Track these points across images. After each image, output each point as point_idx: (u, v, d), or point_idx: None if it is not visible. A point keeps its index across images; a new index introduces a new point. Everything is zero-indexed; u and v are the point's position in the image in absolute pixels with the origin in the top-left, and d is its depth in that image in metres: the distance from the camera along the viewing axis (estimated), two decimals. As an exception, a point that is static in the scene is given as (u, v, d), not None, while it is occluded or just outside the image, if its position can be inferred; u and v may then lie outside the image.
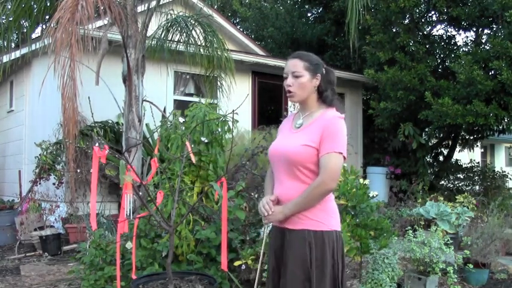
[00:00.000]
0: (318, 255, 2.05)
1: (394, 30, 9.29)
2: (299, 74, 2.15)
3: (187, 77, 8.67)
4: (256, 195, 3.93)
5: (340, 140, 2.08)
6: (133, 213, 3.81)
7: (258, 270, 2.37)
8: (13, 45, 6.16)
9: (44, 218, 6.38)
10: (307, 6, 13.74)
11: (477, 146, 11.46)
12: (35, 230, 6.09)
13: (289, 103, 8.82)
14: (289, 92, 2.17)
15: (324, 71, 2.21)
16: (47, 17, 5.76)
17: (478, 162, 12.03)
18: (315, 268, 2.04)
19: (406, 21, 9.41)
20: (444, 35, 9.63)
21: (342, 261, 2.13)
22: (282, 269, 2.12)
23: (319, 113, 2.18)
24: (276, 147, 2.25)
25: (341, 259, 2.13)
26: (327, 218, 2.12)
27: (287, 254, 2.10)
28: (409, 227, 4.69)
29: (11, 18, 5.47)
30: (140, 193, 3.25)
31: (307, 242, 2.06)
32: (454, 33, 9.63)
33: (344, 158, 2.09)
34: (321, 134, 2.08)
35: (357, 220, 3.90)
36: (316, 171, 2.10)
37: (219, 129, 3.96)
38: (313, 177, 2.10)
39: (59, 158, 6.60)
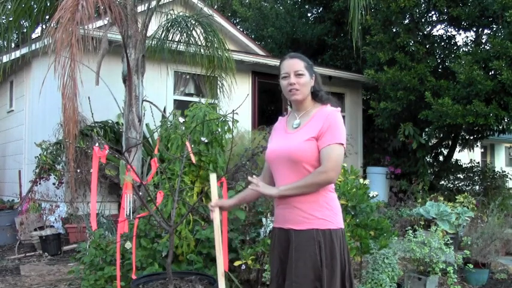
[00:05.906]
0: (328, 254, 2.05)
1: (394, 30, 9.29)
2: (302, 73, 2.17)
3: (188, 77, 8.67)
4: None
5: (340, 132, 2.10)
6: (133, 213, 3.81)
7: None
8: (13, 45, 6.15)
9: (44, 218, 6.38)
10: (307, 6, 13.73)
11: (477, 146, 11.46)
12: (35, 230, 6.09)
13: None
14: (295, 89, 2.17)
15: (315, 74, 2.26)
16: (47, 17, 5.75)
17: (478, 162, 12.03)
18: (325, 267, 2.04)
19: (406, 21, 9.41)
20: (444, 35, 9.63)
21: (348, 258, 2.14)
22: (287, 270, 2.09)
23: (315, 110, 2.20)
24: (276, 148, 2.22)
25: (347, 256, 2.14)
26: (334, 216, 2.12)
27: (295, 255, 2.07)
28: (409, 227, 4.69)
29: (11, 18, 5.47)
30: (140, 193, 3.26)
31: (316, 241, 2.05)
32: (454, 33, 9.64)
33: (344, 148, 2.11)
34: (320, 127, 2.10)
35: (357, 220, 3.90)
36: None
37: (219, 129, 3.96)
38: None
39: (59, 158, 6.60)
